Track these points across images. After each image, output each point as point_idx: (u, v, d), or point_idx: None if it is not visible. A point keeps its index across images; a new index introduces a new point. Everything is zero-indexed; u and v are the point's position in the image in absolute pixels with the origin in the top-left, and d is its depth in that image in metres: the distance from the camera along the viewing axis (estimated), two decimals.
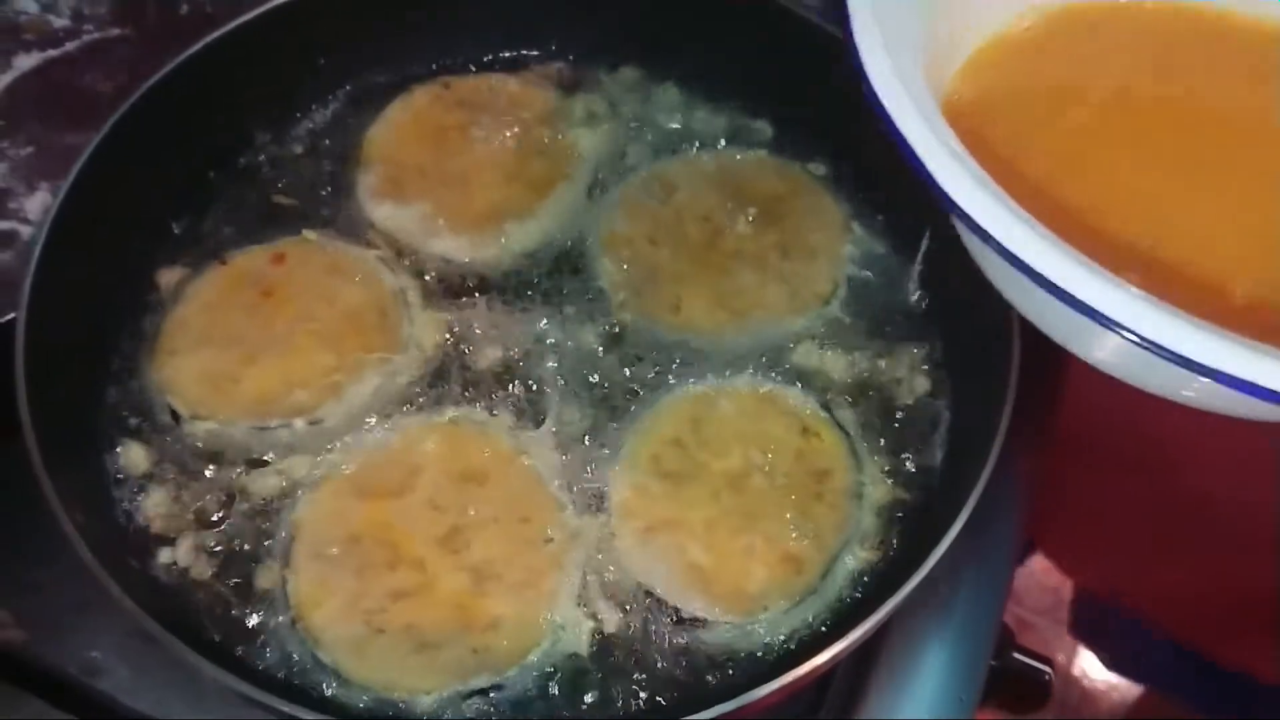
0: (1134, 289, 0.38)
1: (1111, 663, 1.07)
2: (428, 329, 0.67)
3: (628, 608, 0.58)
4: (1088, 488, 0.83)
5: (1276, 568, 0.70)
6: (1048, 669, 0.88)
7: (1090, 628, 1.05)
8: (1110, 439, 0.77)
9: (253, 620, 0.57)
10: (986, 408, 0.58)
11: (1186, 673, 0.90)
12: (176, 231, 0.71)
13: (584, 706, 0.56)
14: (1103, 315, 0.37)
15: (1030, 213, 0.41)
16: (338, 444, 0.62)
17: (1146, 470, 0.74)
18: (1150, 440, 0.73)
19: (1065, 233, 0.40)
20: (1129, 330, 0.37)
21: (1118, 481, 0.78)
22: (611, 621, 0.58)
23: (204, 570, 0.59)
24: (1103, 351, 0.46)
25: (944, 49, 0.53)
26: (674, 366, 0.66)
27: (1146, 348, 0.37)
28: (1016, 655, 0.89)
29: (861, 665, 0.67)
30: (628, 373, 0.66)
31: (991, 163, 0.44)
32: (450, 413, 0.63)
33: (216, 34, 0.68)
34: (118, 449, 0.62)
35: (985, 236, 0.40)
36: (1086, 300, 0.37)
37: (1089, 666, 1.55)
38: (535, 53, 0.79)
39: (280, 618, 0.57)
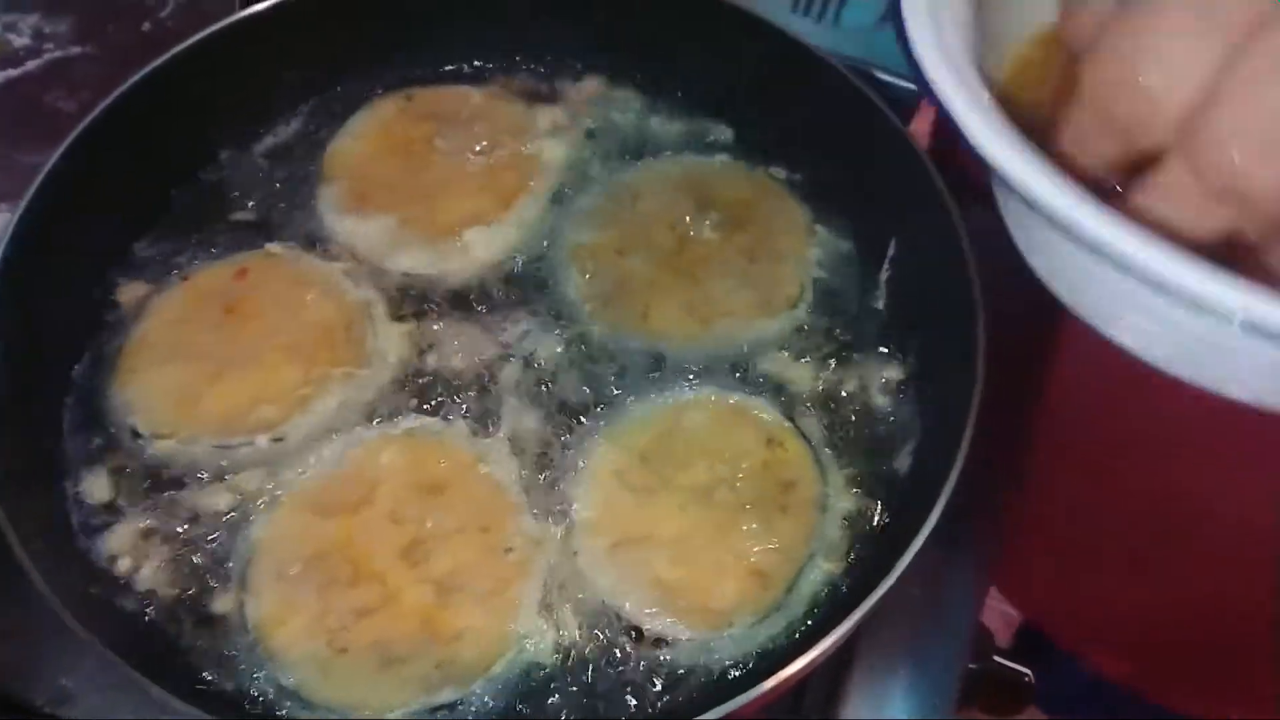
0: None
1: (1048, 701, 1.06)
2: (393, 342, 0.67)
3: (591, 624, 0.58)
4: (1051, 526, 0.82)
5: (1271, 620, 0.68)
6: (1028, 672, 0.88)
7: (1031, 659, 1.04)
8: (1079, 476, 0.76)
9: (215, 644, 0.57)
10: (952, 414, 0.58)
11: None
12: (139, 249, 0.70)
13: None
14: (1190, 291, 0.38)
15: None
16: (297, 461, 0.62)
17: (1122, 509, 0.73)
18: (1128, 477, 0.72)
19: None
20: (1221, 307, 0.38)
21: (1087, 519, 0.77)
22: (575, 634, 0.57)
23: (166, 595, 0.58)
24: (1161, 329, 0.46)
25: (997, 40, 0.53)
26: (641, 377, 0.66)
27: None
28: (997, 659, 0.89)
29: (836, 673, 0.67)
30: (594, 384, 0.65)
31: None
32: (407, 424, 0.63)
33: (176, 50, 0.68)
34: (79, 475, 0.62)
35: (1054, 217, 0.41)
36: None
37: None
38: (499, 65, 0.79)
39: (242, 640, 0.57)
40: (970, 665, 0.84)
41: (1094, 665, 0.93)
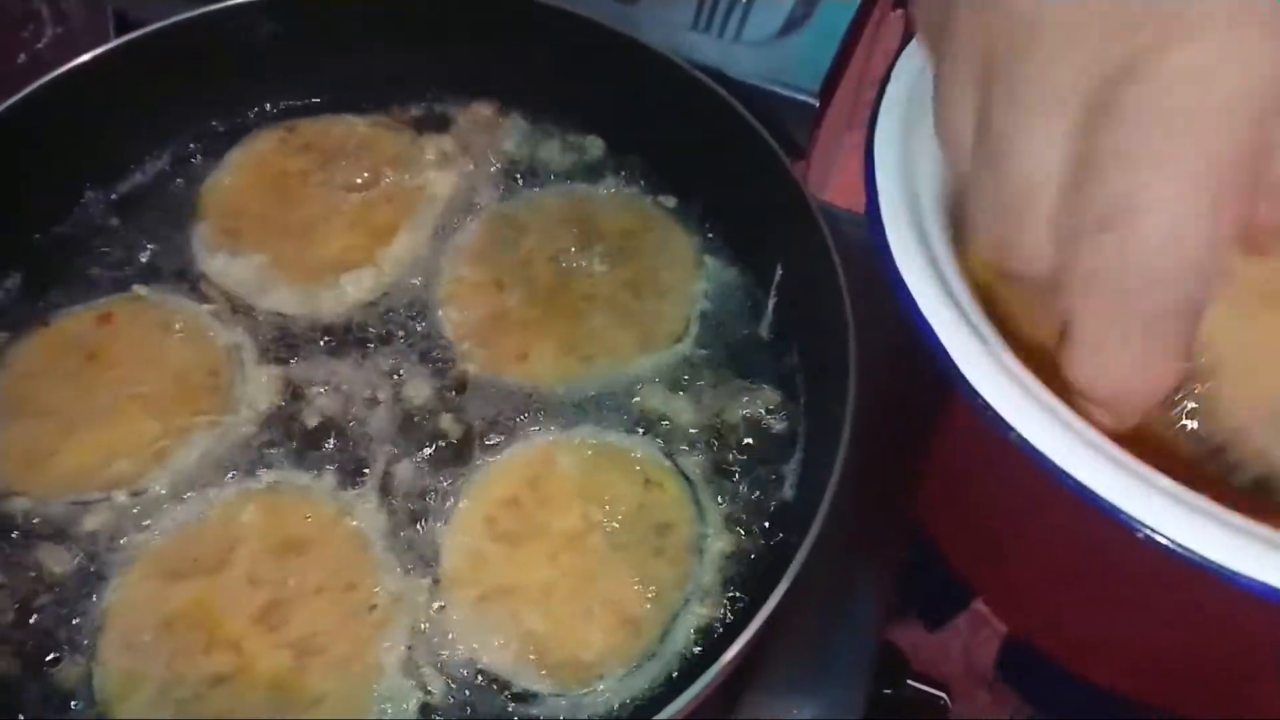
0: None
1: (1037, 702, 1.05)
2: (261, 387, 0.64)
3: (456, 681, 0.55)
4: (1027, 539, 0.81)
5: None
6: (944, 695, 0.87)
7: (1018, 671, 1.03)
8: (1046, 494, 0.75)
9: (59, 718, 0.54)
10: (829, 438, 0.56)
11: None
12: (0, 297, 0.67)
13: None
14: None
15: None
16: (154, 519, 0.59)
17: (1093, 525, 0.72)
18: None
19: None
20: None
21: (1060, 528, 0.76)
22: (441, 694, 0.55)
23: (9, 666, 0.55)
24: None
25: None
26: (517, 419, 0.64)
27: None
28: (911, 683, 0.88)
29: (722, 708, 0.65)
30: (467, 427, 0.63)
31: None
32: (270, 477, 0.61)
33: (38, 84, 0.65)
34: None
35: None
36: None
37: None
38: (383, 94, 0.76)
39: (88, 715, 0.54)
40: (884, 690, 0.83)
41: (1087, 678, 0.92)
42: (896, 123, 0.50)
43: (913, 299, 0.44)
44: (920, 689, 0.85)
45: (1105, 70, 0.31)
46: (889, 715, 0.80)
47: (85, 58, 0.67)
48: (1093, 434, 0.40)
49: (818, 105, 0.77)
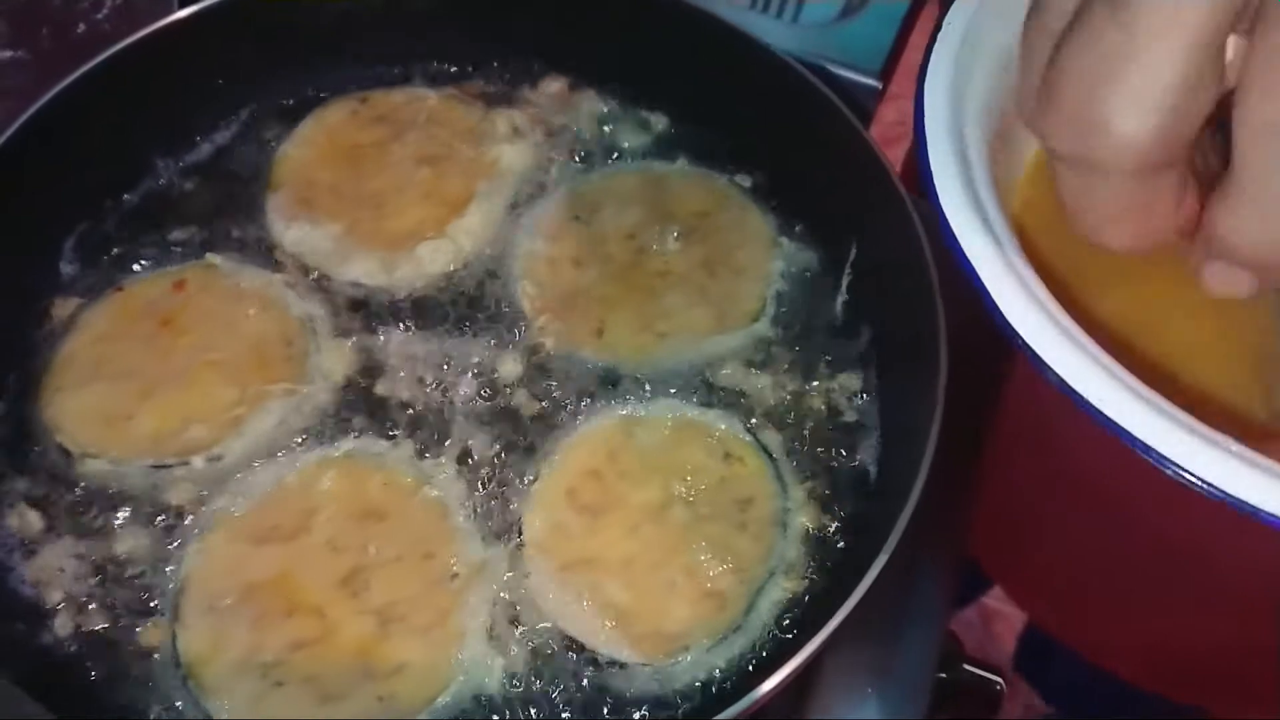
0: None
1: (1052, 697, 1.05)
2: (336, 358, 0.64)
3: (539, 650, 0.55)
4: (1051, 526, 0.81)
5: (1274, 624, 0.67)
6: (999, 680, 0.87)
7: (1037, 664, 1.03)
8: (1076, 483, 0.74)
9: (145, 678, 0.54)
10: (916, 419, 0.56)
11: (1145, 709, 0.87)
12: (72, 262, 0.67)
13: None
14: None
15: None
16: (232, 485, 0.59)
17: (1115, 513, 0.72)
18: (1118, 485, 0.70)
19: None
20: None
21: (1085, 523, 0.76)
22: (525, 661, 0.55)
23: (93, 627, 0.55)
24: None
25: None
26: (594, 393, 0.63)
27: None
28: (967, 667, 0.87)
29: (801, 688, 0.65)
30: (545, 400, 0.63)
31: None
32: (348, 445, 0.60)
33: (107, 54, 0.65)
34: (5, 508, 0.58)
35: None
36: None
37: None
38: (456, 66, 0.76)
39: (174, 675, 0.53)
40: (940, 675, 0.83)
41: (1102, 665, 0.91)
42: (948, 68, 0.49)
43: (963, 251, 0.44)
44: (975, 673, 0.84)
45: None
46: (943, 700, 0.80)
47: (153, 27, 0.67)
48: (1130, 378, 0.40)
49: (881, 87, 0.77)
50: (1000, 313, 0.42)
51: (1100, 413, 0.39)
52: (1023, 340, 0.41)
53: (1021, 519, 0.81)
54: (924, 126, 0.48)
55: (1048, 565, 0.85)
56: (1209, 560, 0.66)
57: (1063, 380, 0.40)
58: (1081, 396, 0.40)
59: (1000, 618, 1.66)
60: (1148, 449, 0.39)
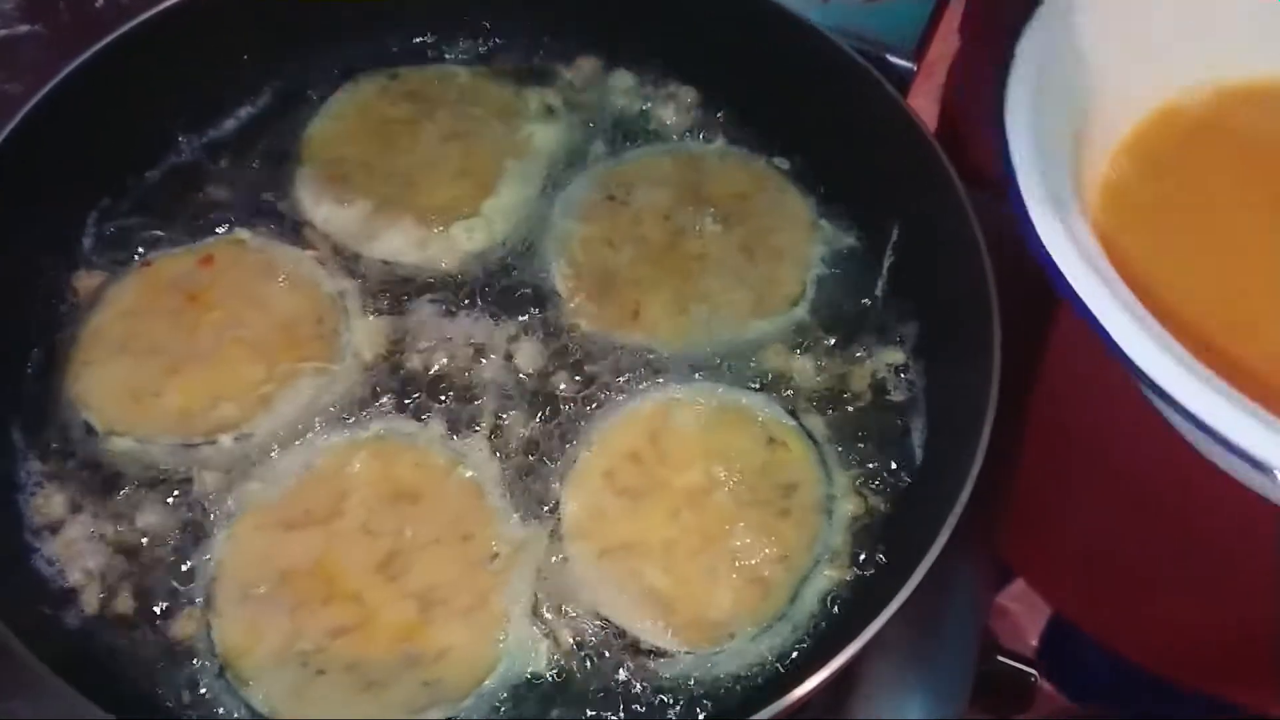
0: None
1: (1079, 695, 1.04)
2: (367, 336, 0.62)
3: (582, 635, 0.54)
4: (1074, 516, 0.80)
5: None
6: (1033, 672, 0.86)
7: (1061, 658, 1.02)
8: (1099, 470, 0.74)
9: (177, 669, 0.52)
10: (966, 411, 0.54)
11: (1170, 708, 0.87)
12: (95, 236, 0.65)
13: None
14: None
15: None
16: (261, 467, 0.57)
17: (1138, 502, 0.71)
18: (1142, 473, 0.70)
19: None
20: None
21: (1109, 512, 0.75)
22: (569, 644, 0.53)
23: (123, 615, 0.53)
24: None
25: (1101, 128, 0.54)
26: (631, 375, 0.62)
27: None
28: (1000, 659, 0.86)
29: (843, 677, 0.63)
30: (580, 381, 0.61)
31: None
32: (379, 426, 0.59)
33: (128, 27, 0.63)
34: (29, 483, 0.57)
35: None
36: None
37: None
38: (485, 46, 0.75)
39: (210, 665, 0.52)
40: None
41: (1118, 650, 0.91)
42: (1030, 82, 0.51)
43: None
44: (1009, 664, 0.84)
45: None
46: (979, 689, 0.79)
47: (166, 5, 0.65)
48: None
49: (915, 69, 0.76)
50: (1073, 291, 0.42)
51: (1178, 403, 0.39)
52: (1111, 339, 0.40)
53: (1049, 505, 0.80)
54: (1006, 125, 0.48)
55: (1073, 551, 0.84)
56: (1236, 545, 0.65)
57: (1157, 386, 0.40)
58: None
59: (1005, 616, 1.66)
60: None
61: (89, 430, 0.58)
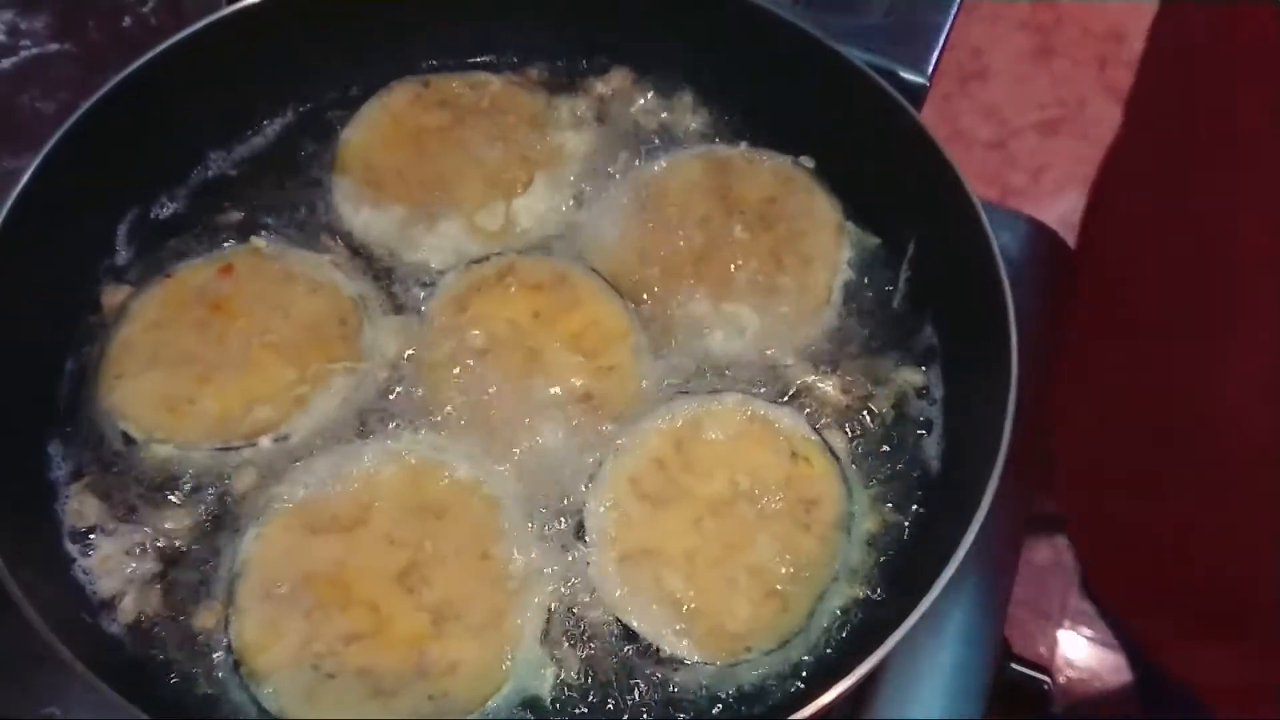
0: None
1: None
2: (391, 336, 0.63)
3: (598, 643, 0.54)
4: (1143, 530, 0.79)
5: None
6: (1046, 679, 0.85)
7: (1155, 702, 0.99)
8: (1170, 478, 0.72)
9: (198, 663, 0.54)
10: (984, 429, 0.54)
11: None
12: (123, 254, 0.66)
13: None
14: None
15: None
16: (294, 472, 0.58)
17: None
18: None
19: None
20: None
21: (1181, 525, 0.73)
22: (579, 661, 0.54)
23: (154, 613, 0.55)
24: None
25: None
26: (661, 383, 0.62)
27: None
28: (1015, 665, 0.85)
29: (858, 690, 0.63)
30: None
31: None
32: (407, 438, 0.59)
33: (161, 48, 0.64)
34: (68, 497, 0.58)
35: None
36: None
37: (1073, 657, 1.53)
38: (519, 53, 0.75)
39: (225, 660, 0.53)
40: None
41: (1136, 629, 0.89)
42: None
43: None
44: (1022, 671, 0.83)
45: None
46: (993, 696, 0.79)
47: (208, 21, 0.65)
48: None
49: (929, 85, 0.75)
50: None
51: None
52: None
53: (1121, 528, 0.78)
54: None
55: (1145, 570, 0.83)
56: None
57: None
58: None
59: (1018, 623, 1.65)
60: None
61: (127, 440, 0.59)
